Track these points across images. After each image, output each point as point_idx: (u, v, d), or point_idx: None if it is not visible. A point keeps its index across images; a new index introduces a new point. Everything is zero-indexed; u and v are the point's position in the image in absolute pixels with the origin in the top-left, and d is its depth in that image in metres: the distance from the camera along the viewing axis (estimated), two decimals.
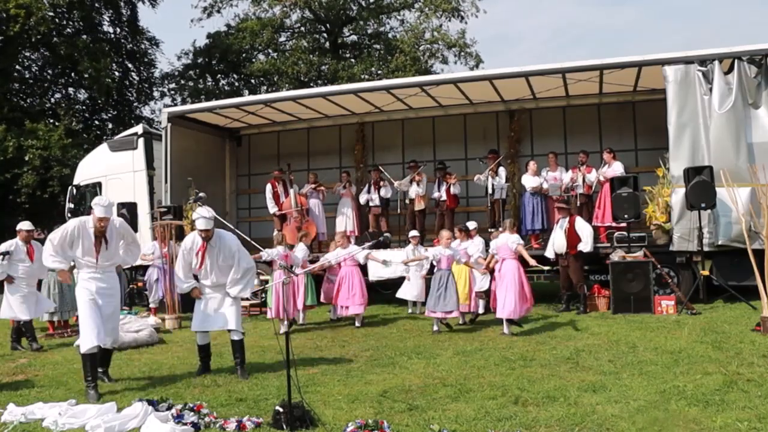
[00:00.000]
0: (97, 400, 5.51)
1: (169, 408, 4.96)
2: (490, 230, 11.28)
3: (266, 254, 9.46)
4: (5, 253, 8.57)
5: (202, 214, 6.32)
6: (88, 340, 5.83)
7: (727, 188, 8.82)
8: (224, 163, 14.91)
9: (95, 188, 14.21)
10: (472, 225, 10.10)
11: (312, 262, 10.45)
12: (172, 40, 44.13)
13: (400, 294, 10.49)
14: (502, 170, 11.97)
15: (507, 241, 8.43)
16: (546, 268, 9.04)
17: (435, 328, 8.58)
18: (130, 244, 6.42)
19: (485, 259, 9.18)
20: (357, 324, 9.41)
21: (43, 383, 6.38)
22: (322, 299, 10.06)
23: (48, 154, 19.82)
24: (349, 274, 9.62)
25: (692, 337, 7.38)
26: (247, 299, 8.93)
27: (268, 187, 12.80)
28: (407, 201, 12.40)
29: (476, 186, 12.37)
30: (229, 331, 6.42)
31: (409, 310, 10.63)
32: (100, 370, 6.09)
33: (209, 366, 6.58)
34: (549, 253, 10.04)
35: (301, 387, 5.12)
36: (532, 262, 8.51)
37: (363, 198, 12.73)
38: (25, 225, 8.83)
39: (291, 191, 12.70)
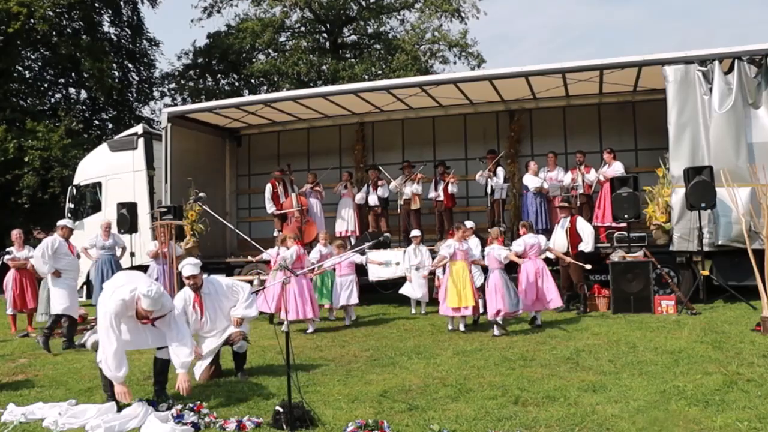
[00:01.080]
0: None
1: (169, 408, 4.96)
2: (489, 230, 11.27)
3: (267, 254, 9.83)
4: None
5: (189, 261, 6.11)
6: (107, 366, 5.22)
7: (727, 188, 8.82)
8: (224, 163, 14.91)
9: (95, 188, 14.24)
10: (469, 224, 10.09)
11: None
12: (172, 40, 44.19)
13: (404, 291, 10.46)
14: (500, 170, 11.97)
15: (539, 240, 8.90)
16: (588, 266, 9.23)
17: (497, 332, 8.21)
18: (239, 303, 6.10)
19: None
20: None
21: (43, 383, 6.38)
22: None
23: (48, 155, 19.86)
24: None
25: (692, 337, 7.38)
26: None
27: (268, 187, 12.80)
28: (402, 202, 12.38)
29: (476, 186, 12.38)
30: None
31: (413, 311, 10.61)
32: (156, 387, 5.65)
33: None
34: (549, 253, 10.02)
35: (301, 387, 5.13)
36: (568, 259, 9.37)
37: (359, 196, 12.73)
38: (68, 222, 9.15)
39: (292, 192, 12.69)
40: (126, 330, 5.36)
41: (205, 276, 6.22)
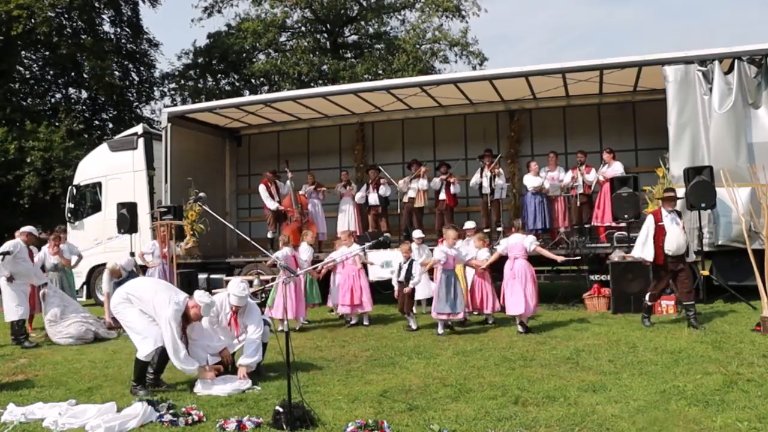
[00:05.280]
0: (145, 396, 5.51)
1: (169, 408, 4.97)
2: (485, 230, 11.30)
3: (277, 258, 9.64)
4: (5, 253, 8.68)
5: (236, 293, 6.13)
6: (146, 345, 5.80)
7: (727, 188, 8.81)
8: (224, 163, 14.92)
9: (95, 188, 14.24)
10: (470, 224, 10.08)
11: (314, 262, 10.40)
12: (173, 39, 44.22)
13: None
14: (500, 170, 11.96)
15: (522, 241, 8.56)
16: (560, 258, 9.07)
17: (440, 331, 8.42)
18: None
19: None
20: (365, 323, 9.52)
21: (43, 383, 6.38)
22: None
23: (49, 155, 19.87)
24: (353, 275, 9.59)
25: (692, 337, 7.38)
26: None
27: (262, 187, 12.77)
28: (406, 200, 12.37)
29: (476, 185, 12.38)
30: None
31: (414, 310, 10.57)
32: (150, 375, 5.99)
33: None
34: (644, 253, 8.27)
35: (301, 387, 5.13)
36: (559, 258, 8.93)
37: (359, 195, 12.71)
38: (33, 230, 9.33)
39: (289, 189, 12.67)
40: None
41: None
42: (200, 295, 5.87)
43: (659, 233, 8.12)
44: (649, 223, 8.26)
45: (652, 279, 8.55)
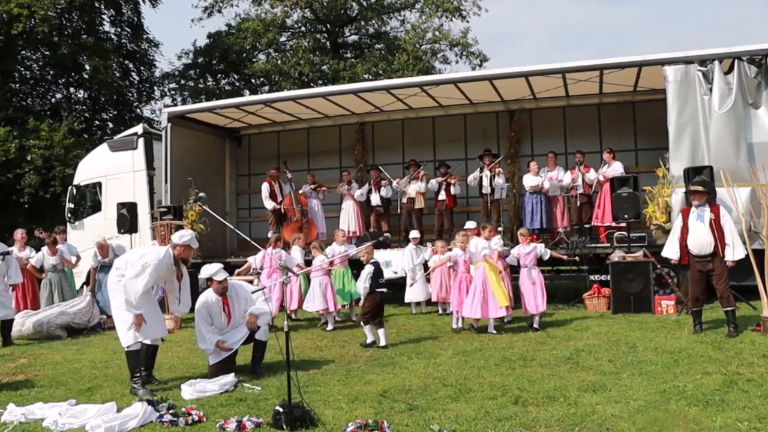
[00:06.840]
0: (146, 395, 5.56)
1: (169, 408, 4.97)
2: (519, 232, 11.27)
3: (254, 260, 9.90)
4: (5, 253, 8.70)
5: (218, 267, 6.38)
6: (127, 337, 5.88)
7: (727, 188, 8.80)
8: (224, 163, 14.92)
9: (95, 188, 14.24)
10: (471, 224, 10.06)
11: (308, 263, 10.36)
12: (173, 38, 44.24)
13: (409, 298, 10.39)
14: (500, 170, 11.96)
15: (477, 245, 8.60)
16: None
17: (537, 325, 8.43)
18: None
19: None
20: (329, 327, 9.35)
21: (43, 383, 6.39)
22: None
23: (50, 154, 19.86)
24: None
25: (692, 337, 7.39)
26: None
27: (265, 185, 12.78)
28: (405, 200, 12.37)
29: (476, 186, 12.38)
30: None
31: (413, 311, 10.59)
32: (145, 373, 6.08)
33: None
34: (667, 252, 8.03)
35: (301, 387, 5.13)
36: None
37: (359, 192, 12.68)
38: None
39: (290, 190, 12.68)
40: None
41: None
42: (178, 237, 6.09)
43: (683, 231, 7.75)
44: (677, 221, 8.04)
45: (688, 283, 8.08)
